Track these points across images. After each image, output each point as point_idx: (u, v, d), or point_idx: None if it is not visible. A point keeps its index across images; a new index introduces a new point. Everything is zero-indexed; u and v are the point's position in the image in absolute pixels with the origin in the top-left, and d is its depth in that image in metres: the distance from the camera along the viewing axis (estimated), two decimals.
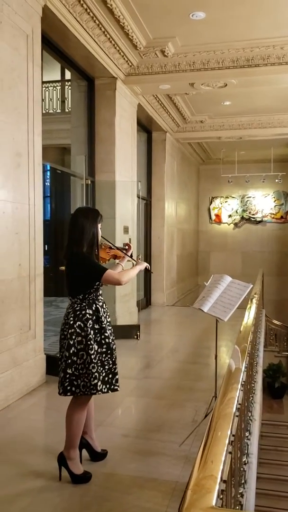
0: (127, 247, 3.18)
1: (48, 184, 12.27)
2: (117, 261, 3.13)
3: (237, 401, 1.89)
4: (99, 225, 2.86)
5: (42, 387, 4.49)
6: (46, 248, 10.51)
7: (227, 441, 1.32)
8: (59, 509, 2.53)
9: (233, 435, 1.65)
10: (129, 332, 6.69)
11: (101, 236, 2.94)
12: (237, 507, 1.92)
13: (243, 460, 2.46)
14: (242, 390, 2.20)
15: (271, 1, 5.16)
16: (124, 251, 3.13)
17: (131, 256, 3.15)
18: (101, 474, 2.85)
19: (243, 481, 2.27)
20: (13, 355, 4.14)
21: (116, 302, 6.87)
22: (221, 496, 1.26)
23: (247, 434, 2.79)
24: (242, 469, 2.31)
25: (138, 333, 6.71)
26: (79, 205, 6.59)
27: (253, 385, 3.69)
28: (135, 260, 3.08)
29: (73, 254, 2.79)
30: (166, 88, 7.34)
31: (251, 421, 3.15)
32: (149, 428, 3.64)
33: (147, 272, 3.15)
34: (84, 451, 2.99)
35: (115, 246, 3.14)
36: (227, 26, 5.70)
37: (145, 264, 3.02)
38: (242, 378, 2.23)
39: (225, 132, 10.29)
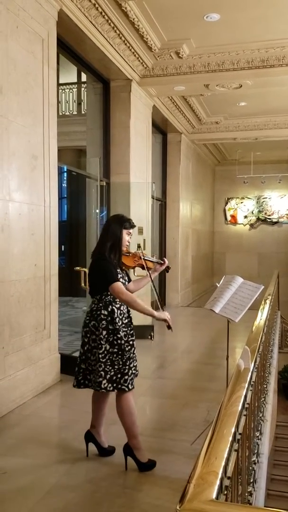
0: (162, 261, 3.22)
1: (65, 186, 12.41)
2: (144, 271, 3.16)
3: (245, 400, 1.91)
4: (128, 231, 3.03)
5: (57, 386, 4.56)
6: (62, 249, 10.65)
7: (231, 438, 1.34)
8: (71, 505, 2.57)
9: (240, 434, 1.67)
10: (143, 332, 6.72)
11: (138, 246, 3.06)
12: None
13: (253, 459, 2.47)
14: (251, 390, 2.22)
15: (285, 2, 5.15)
16: (146, 265, 3.11)
17: (150, 275, 3.12)
18: (113, 471, 2.90)
19: (252, 480, 2.28)
20: (28, 354, 4.22)
21: None
22: (225, 492, 1.30)
23: (257, 434, 2.81)
24: (251, 468, 2.33)
25: (152, 334, 6.74)
26: (94, 207, 6.65)
27: (265, 386, 3.69)
28: (151, 279, 3.11)
29: (95, 254, 2.98)
30: (181, 90, 7.37)
31: (263, 422, 3.16)
32: (161, 427, 3.68)
33: (168, 328, 2.99)
34: (93, 447, 3.08)
35: (148, 259, 3.16)
36: (241, 27, 5.70)
37: (165, 317, 2.90)
38: (251, 378, 2.24)
39: (240, 133, 10.25)
